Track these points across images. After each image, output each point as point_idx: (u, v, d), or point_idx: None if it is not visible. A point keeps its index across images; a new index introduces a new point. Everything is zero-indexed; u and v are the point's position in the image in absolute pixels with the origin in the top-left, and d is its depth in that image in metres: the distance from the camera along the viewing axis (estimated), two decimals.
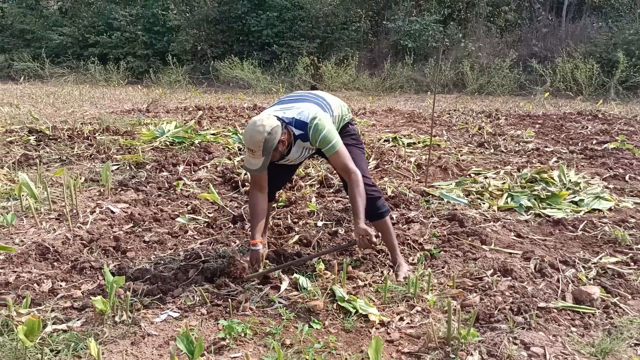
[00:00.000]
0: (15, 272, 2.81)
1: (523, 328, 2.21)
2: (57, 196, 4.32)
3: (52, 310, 2.40)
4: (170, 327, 2.31)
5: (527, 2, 20.06)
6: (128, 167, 5.42)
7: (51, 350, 2.08)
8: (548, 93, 13.94)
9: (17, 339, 2.06)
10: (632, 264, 3.00)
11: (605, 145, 6.94)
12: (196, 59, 19.25)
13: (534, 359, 1.98)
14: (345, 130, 3.05)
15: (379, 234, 2.61)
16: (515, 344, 2.08)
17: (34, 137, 6.58)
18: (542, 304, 2.40)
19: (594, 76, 14.63)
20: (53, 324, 2.27)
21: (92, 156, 5.85)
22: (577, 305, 2.42)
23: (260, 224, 2.83)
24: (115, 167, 5.41)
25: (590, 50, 15.94)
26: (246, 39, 19.01)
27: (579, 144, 7.16)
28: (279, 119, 2.62)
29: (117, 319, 2.32)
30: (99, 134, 6.94)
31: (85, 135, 6.82)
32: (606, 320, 2.34)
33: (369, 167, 5.57)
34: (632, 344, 2.15)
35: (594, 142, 7.32)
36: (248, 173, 2.69)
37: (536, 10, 19.78)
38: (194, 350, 1.80)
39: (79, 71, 18.21)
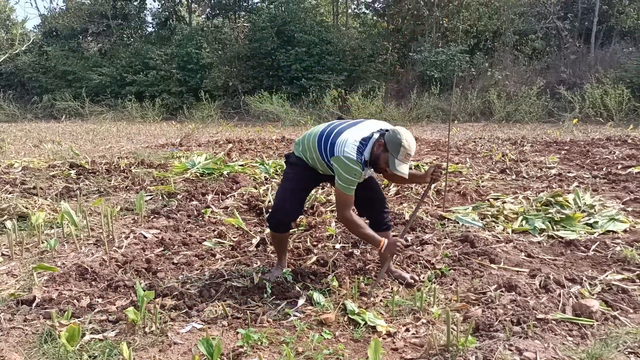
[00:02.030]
0: (57, 289, 3.10)
1: (520, 337, 2.34)
2: (95, 224, 4.66)
3: (90, 322, 2.66)
4: (195, 337, 2.53)
5: (555, 29, 20.18)
6: (161, 197, 5.75)
7: (89, 356, 2.32)
8: (577, 120, 13.88)
9: (59, 345, 2.31)
10: (638, 280, 3.08)
11: (630, 169, 6.93)
12: (228, 94, 20.00)
13: None
14: None
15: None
16: (510, 350, 2.22)
17: (75, 171, 7.03)
18: (540, 316, 2.52)
19: (625, 101, 14.51)
20: (90, 333, 2.53)
21: (128, 187, 6.23)
22: (575, 317, 2.53)
23: (370, 230, 3.03)
24: (149, 197, 5.76)
25: (621, 75, 15.85)
26: (275, 73, 19.69)
27: (604, 169, 7.16)
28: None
29: (147, 329, 2.56)
30: (135, 167, 7.36)
31: (122, 168, 7.25)
32: (603, 331, 2.43)
33: (389, 194, 5.78)
34: (626, 352, 2.25)
35: (619, 167, 7.30)
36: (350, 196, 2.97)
37: (564, 37, 19.86)
38: (213, 352, 2.01)
39: (117, 109, 19.18)
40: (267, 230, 4.42)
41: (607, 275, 3.13)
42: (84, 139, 11.71)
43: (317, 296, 2.87)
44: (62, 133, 13.33)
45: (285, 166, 3.34)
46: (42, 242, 4.04)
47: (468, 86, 17.42)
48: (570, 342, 2.33)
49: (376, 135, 2.92)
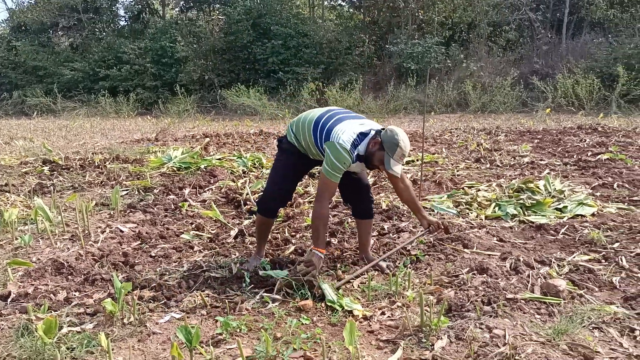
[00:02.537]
0: (33, 284, 3.08)
1: (490, 316, 2.43)
2: (70, 219, 4.61)
3: (67, 315, 2.65)
4: (173, 327, 2.55)
5: (527, 21, 20.51)
6: (137, 192, 5.70)
7: (67, 348, 2.32)
8: (550, 109, 14.18)
9: (36, 338, 2.31)
10: (604, 261, 3.21)
11: (599, 156, 7.13)
12: (204, 88, 19.82)
13: (495, 340, 2.20)
14: None
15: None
16: (481, 328, 2.30)
17: (48, 167, 6.92)
18: (510, 296, 2.61)
19: (595, 91, 14.87)
20: (68, 326, 2.52)
21: (103, 183, 6.16)
22: (543, 297, 2.63)
23: (326, 233, 3.17)
24: (125, 192, 5.70)
25: (591, 65, 16.23)
26: (252, 67, 19.59)
27: (574, 156, 7.35)
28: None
29: (125, 320, 2.57)
30: (109, 163, 7.27)
31: (96, 164, 7.16)
32: (569, 309, 2.54)
33: None
34: (590, 328, 2.35)
35: (589, 154, 7.51)
36: (331, 189, 3.02)
37: (536, 28, 20.21)
38: (192, 339, 2.04)
39: (90, 104, 18.82)
40: (246, 222, 4.45)
41: (574, 257, 3.25)
42: (57, 136, 11.49)
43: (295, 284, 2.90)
44: (34, 130, 13.05)
45: (277, 150, 3.38)
46: (16, 239, 3.99)
47: (444, 77, 17.61)
48: (538, 320, 2.43)
49: (373, 133, 2.98)
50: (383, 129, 3.00)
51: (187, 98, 17.74)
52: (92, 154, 8.12)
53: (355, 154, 2.93)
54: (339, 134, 2.90)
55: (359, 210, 3.35)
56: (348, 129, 2.93)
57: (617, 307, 2.57)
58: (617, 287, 2.83)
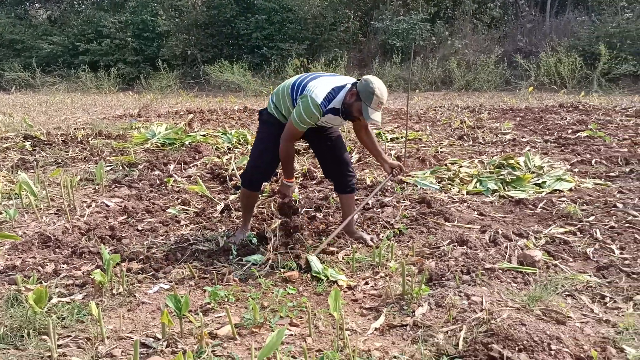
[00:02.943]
0: (20, 257, 3.10)
1: (469, 284, 2.53)
2: (55, 194, 4.60)
3: (56, 287, 2.69)
4: (162, 297, 2.61)
5: None
6: (121, 168, 5.69)
7: (57, 317, 2.37)
8: (532, 87, 14.30)
9: (26, 308, 2.34)
10: (579, 233, 3.34)
11: (579, 133, 7.28)
12: (186, 64, 19.51)
13: (472, 306, 2.31)
14: None
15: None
16: (459, 296, 2.41)
17: (30, 142, 6.83)
18: (488, 265, 2.72)
19: (577, 69, 15.01)
20: (58, 297, 2.57)
21: (86, 158, 6.12)
22: (519, 266, 2.74)
23: (293, 167, 3.23)
24: (109, 167, 5.68)
25: (574, 44, 16.35)
26: (236, 42, 19.30)
27: (555, 134, 7.49)
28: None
29: (114, 291, 2.62)
30: (92, 138, 7.20)
31: (79, 139, 7.08)
32: (544, 277, 2.66)
33: (352, 161, 5.91)
34: (563, 295, 2.48)
35: (570, 131, 7.65)
36: (298, 134, 3.09)
37: (521, 6, 20.22)
38: (182, 307, 2.10)
39: (70, 79, 18.42)
40: (232, 197, 4.49)
41: (551, 229, 3.37)
42: (37, 111, 11.29)
43: (279, 258, 2.97)
44: (13, 105, 12.80)
45: (258, 123, 3.40)
46: (1, 213, 3.98)
47: (429, 55, 17.61)
48: (514, 288, 2.55)
49: (349, 85, 3.00)
50: (359, 79, 3.03)
51: (170, 73, 17.47)
52: (75, 129, 8.02)
53: (330, 107, 2.96)
54: (312, 89, 2.94)
55: (340, 185, 3.40)
56: (322, 84, 2.98)
57: (590, 276, 2.70)
58: (591, 257, 2.96)
